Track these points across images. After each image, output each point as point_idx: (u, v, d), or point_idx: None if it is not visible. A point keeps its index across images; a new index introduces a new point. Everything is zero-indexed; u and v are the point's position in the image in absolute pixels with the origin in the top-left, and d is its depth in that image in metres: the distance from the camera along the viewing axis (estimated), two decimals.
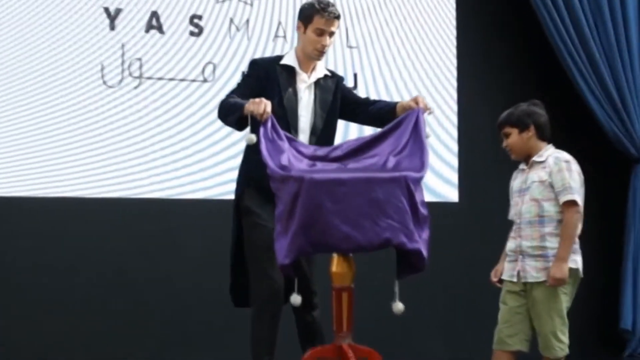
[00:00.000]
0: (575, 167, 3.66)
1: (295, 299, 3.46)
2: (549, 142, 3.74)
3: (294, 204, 3.31)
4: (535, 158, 3.70)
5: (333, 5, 3.88)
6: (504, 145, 3.82)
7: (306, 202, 3.30)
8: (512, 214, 3.78)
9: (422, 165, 3.54)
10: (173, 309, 5.22)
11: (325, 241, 3.35)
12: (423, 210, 3.47)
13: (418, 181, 3.49)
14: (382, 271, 5.00)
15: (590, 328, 5.97)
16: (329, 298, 3.60)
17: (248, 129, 3.54)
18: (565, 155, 3.69)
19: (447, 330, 5.75)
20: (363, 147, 3.68)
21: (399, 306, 3.47)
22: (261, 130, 3.48)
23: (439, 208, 5.62)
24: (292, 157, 3.53)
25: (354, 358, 3.36)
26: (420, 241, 3.44)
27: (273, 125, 3.53)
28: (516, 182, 3.82)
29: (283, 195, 3.38)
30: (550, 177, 3.65)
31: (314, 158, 3.62)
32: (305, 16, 3.81)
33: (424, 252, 3.41)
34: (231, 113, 3.75)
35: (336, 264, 3.47)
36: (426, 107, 3.66)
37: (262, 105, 3.51)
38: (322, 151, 3.70)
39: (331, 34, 3.81)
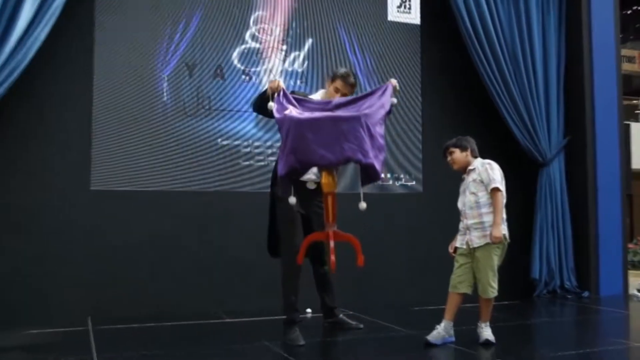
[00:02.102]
0: (495, 166, 3.98)
1: (292, 200, 3.74)
2: (476, 157, 4.08)
3: (287, 137, 3.65)
4: (470, 167, 4.03)
5: (353, 77, 4.21)
6: (448, 160, 4.11)
7: (294, 134, 3.59)
8: (459, 206, 4.08)
9: (379, 110, 3.75)
10: (235, 264, 5.39)
11: (307, 160, 3.62)
12: (381, 140, 3.69)
13: (372, 117, 3.68)
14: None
15: (510, 278, 5.78)
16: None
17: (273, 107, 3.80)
18: (487, 160, 4.03)
19: (415, 282, 5.93)
20: (351, 102, 3.95)
21: (363, 205, 3.69)
22: (275, 98, 3.86)
23: (409, 196, 6.11)
24: (294, 111, 3.75)
25: (333, 240, 3.69)
26: (375, 160, 3.61)
27: (285, 95, 3.88)
28: (461, 187, 4.12)
29: (282, 132, 3.73)
30: (480, 175, 3.94)
31: (314, 110, 3.85)
32: (333, 76, 4.22)
33: (377, 167, 3.63)
34: (258, 97, 4.09)
35: (324, 177, 3.74)
36: (396, 85, 3.95)
37: (276, 82, 3.91)
38: (322, 105, 3.94)
39: (344, 94, 4.13)
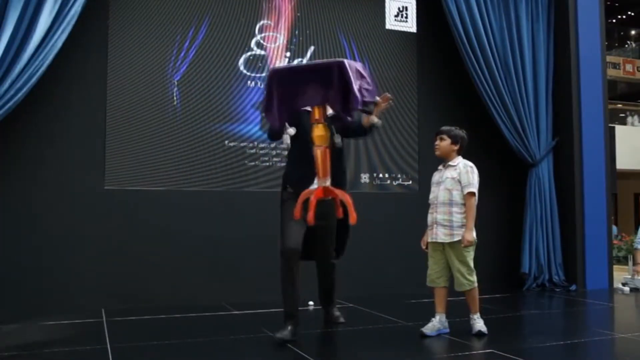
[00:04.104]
0: (476, 170, 3.91)
1: (286, 139, 3.84)
2: (460, 155, 3.99)
3: (272, 89, 3.61)
4: (450, 163, 3.93)
5: None
6: (435, 143, 3.98)
7: (277, 86, 3.60)
8: (431, 198, 3.98)
9: (360, 77, 3.62)
10: (243, 258, 5.39)
11: (292, 106, 3.64)
12: (359, 95, 3.52)
13: (350, 69, 3.54)
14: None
15: (501, 272, 6.33)
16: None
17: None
18: (470, 163, 3.94)
19: (411, 276, 5.42)
20: None
21: (337, 139, 3.71)
22: None
23: (407, 195, 6.11)
24: None
25: (323, 196, 3.58)
26: (344, 110, 3.56)
27: None
28: (435, 177, 4.02)
29: (271, 86, 3.67)
30: (459, 175, 3.86)
31: None
32: None
33: (345, 114, 3.60)
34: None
35: (314, 130, 3.63)
36: (389, 100, 3.85)
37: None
38: None
39: None
